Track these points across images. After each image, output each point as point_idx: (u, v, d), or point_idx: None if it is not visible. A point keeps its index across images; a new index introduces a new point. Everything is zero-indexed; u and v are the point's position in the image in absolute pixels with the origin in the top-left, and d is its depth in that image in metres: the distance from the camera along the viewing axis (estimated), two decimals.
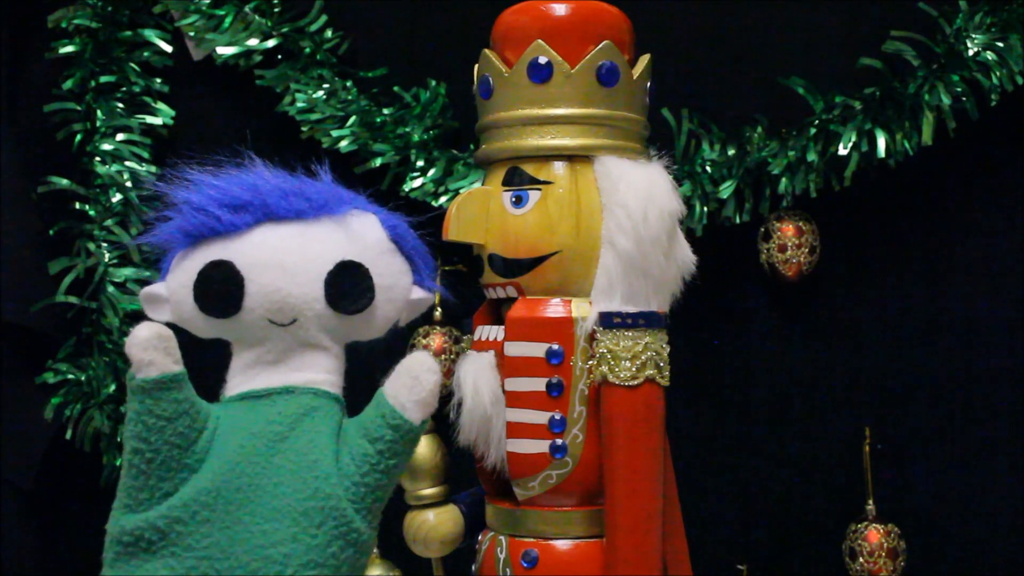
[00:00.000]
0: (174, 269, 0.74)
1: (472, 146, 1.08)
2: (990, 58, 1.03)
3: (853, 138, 1.02)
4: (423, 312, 0.79)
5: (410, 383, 0.71)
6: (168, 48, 1.15)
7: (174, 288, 0.74)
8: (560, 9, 0.80)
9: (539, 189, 0.80)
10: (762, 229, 1.08)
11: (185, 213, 0.73)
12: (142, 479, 0.68)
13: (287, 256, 0.73)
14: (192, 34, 1.12)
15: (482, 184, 0.85)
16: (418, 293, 0.78)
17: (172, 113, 1.15)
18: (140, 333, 0.69)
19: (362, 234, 0.75)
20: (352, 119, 1.08)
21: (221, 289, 0.72)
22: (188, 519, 0.67)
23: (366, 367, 0.82)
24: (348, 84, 1.10)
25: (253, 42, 1.11)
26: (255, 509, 0.68)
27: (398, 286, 0.76)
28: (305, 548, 0.67)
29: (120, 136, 1.13)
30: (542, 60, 0.79)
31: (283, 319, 0.73)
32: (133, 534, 0.67)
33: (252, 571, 0.67)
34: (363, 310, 0.74)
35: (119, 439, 1.11)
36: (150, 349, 0.68)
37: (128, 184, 1.12)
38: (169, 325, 0.71)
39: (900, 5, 1.07)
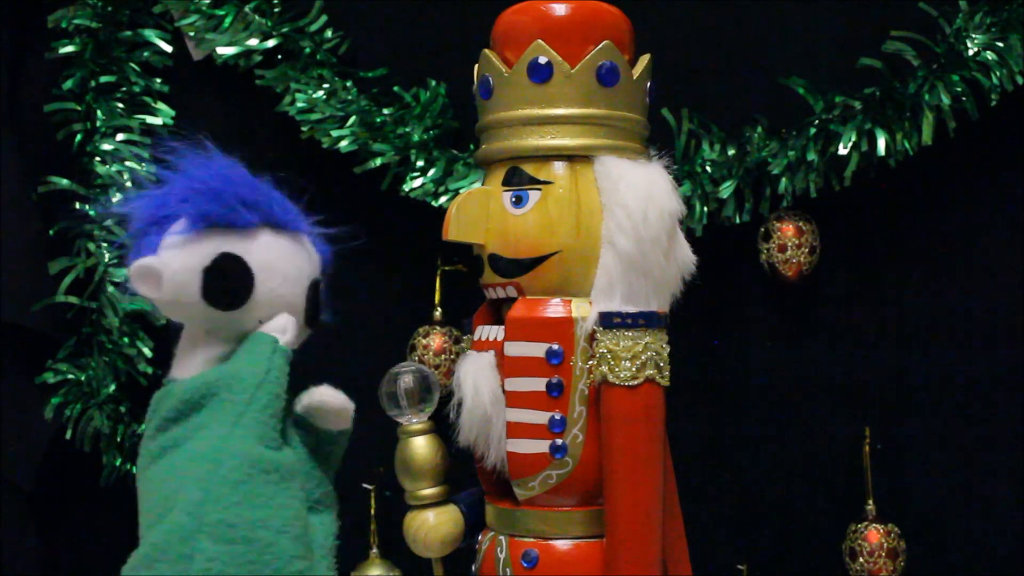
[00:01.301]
0: (170, 247, 0.73)
1: (472, 146, 1.08)
2: (990, 58, 1.03)
3: (853, 138, 1.02)
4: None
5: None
6: (168, 48, 1.14)
7: (175, 268, 0.73)
8: (560, 9, 0.80)
9: (539, 189, 0.80)
10: (762, 229, 1.08)
11: (204, 194, 0.73)
12: (277, 422, 0.72)
13: (289, 264, 0.76)
14: (192, 34, 1.12)
15: (482, 184, 0.85)
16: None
17: (172, 113, 1.15)
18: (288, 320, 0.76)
19: (315, 253, 0.80)
20: (352, 119, 1.08)
21: (233, 283, 0.73)
22: (300, 469, 0.74)
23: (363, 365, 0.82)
24: (348, 84, 1.10)
25: (253, 42, 1.11)
26: None
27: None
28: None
29: (120, 136, 1.13)
30: (542, 60, 0.79)
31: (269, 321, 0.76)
32: (271, 463, 0.70)
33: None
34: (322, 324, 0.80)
35: (119, 439, 1.11)
36: (292, 328, 0.75)
37: (128, 184, 1.12)
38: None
39: (900, 5, 1.07)
